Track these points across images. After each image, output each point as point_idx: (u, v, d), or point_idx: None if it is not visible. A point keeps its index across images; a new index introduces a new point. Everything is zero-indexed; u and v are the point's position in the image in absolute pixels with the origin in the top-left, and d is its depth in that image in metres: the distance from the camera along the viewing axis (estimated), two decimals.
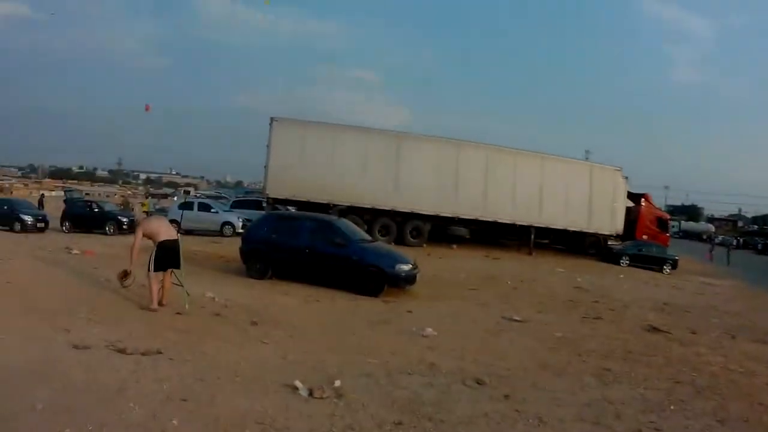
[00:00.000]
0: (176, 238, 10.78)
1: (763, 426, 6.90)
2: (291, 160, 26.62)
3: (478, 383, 7.40)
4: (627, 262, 28.63)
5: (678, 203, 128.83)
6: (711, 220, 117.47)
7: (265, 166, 27.13)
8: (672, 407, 7.10)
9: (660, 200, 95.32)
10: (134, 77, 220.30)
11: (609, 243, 30.65)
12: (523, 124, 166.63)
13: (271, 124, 26.88)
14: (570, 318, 13.09)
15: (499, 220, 28.25)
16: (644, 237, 31.78)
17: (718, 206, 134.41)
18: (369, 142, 27.89)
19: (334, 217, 17.58)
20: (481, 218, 28.01)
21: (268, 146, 26.86)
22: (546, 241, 30.36)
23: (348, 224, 16.24)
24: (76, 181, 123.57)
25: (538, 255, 27.77)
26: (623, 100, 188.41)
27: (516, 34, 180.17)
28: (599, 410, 6.75)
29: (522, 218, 28.33)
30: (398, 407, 6.29)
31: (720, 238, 75.69)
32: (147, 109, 57.00)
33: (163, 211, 30.88)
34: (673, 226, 76.69)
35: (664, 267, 28.86)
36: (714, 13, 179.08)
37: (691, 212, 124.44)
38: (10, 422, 5.13)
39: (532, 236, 28.71)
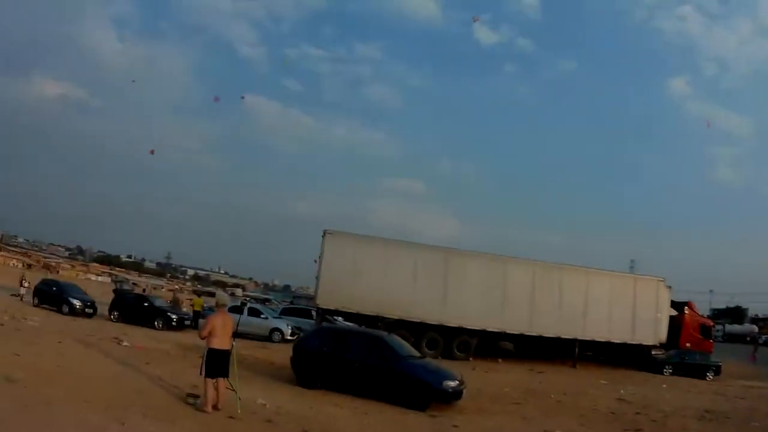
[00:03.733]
0: (228, 348, 11.35)
1: None
2: (341, 272, 27.84)
3: None
4: (670, 370, 29.46)
5: (722, 306, 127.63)
6: (755, 320, 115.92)
7: (316, 277, 28.10)
8: None
9: (704, 305, 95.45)
10: (191, 173, 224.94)
11: (653, 352, 31.36)
12: (570, 234, 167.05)
13: (323, 237, 28.12)
14: (611, 430, 13.97)
15: (545, 335, 29.29)
16: (688, 345, 32.52)
17: (764, 306, 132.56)
18: (418, 257, 28.96)
19: (383, 333, 18.72)
20: (527, 333, 29.06)
21: (320, 257, 28.00)
22: (590, 353, 31.23)
23: (397, 340, 17.15)
24: (123, 270, 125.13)
25: (581, 367, 28.68)
26: (668, 205, 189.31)
27: (554, 149, 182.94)
28: None
29: (566, 332, 29.33)
30: None
31: (764, 338, 75.01)
32: (151, 152, 61.78)
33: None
34: (717, 330, 76.49)
35: (707, 374, 29.66)
36: (754, 110, 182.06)
37: (736, 314, 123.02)
38: None
39: (576, 349, 29.69)
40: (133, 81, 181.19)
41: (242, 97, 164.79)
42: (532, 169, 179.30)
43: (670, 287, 31.76)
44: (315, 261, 28.41)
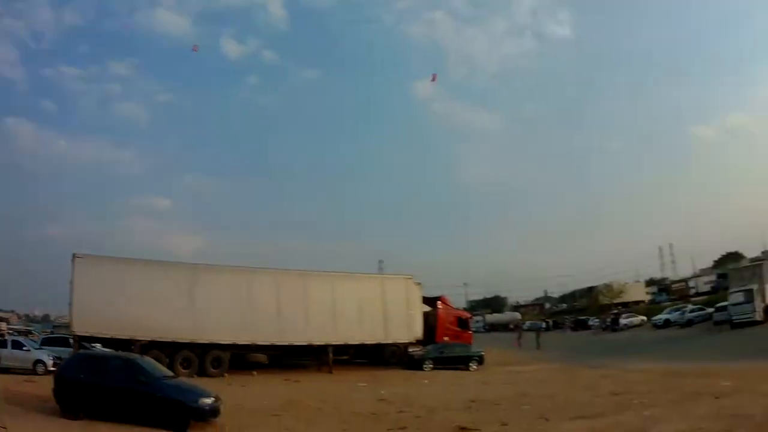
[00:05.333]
0: None
1: None
2: (94, 297, 25.94)
3: None
4: (431, 366, 29.18)
5: (480, 297, 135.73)
6: (517, 307, 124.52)
7: (69, 303, 26.41)
8: None
9: (460, 298, 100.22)
10: None
11: (410, 350, 31.34)
12: (319, 239, 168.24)
13: (73, 261, 26.31)
14: None
15: (295, 343, 28.56)
16: (446, 338, 32.89)
17: (523, 292, 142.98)
18: (164, 274, 27.98)
19: (137, 356, 18.29)
20: (277, 343, 28.21)
21: (71, 283, 26.18)
22: (345, 357, 30.79)
23: (149, 361, 16.81)
24: None
25: (339, 372, 27.94)
26: (417, 203, 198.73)
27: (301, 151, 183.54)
28: None
29: (318, 339, 28.74)
30: None
31: (527, 323, 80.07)
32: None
33: None
34: (477, 321, 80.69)
35: (470, 364, 29.89)
36: (502, 107, 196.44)
37: (496, 303, 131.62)
38: None
39: (330, 354, 29.03)
40: None
41: None
42: (276, 177, 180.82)
43: (419, 284, 32.40)
44: (70, 283, 26.49)
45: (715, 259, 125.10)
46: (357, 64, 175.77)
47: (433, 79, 57.95)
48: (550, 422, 13.18)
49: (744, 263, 75.63)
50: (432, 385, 22.75)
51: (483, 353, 31.39)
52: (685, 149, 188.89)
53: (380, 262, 74.19)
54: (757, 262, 56.59)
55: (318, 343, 28.75)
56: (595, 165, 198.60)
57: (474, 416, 14.46)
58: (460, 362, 29.86)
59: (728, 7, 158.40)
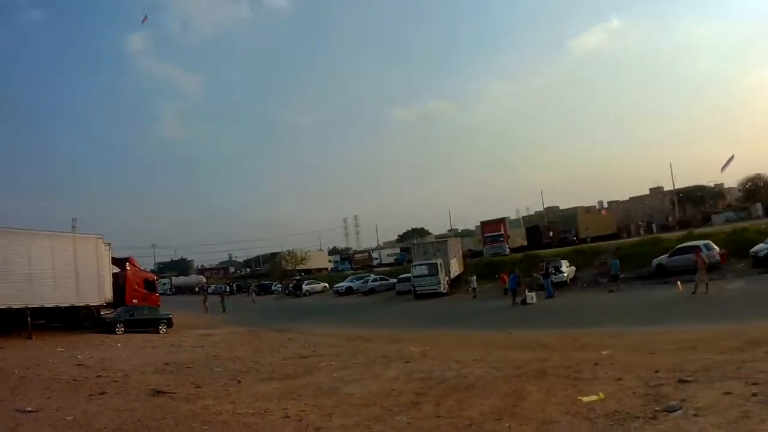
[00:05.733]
0: None
1: None
2: None
3: None
4: (122, 329, 28.72)
5: (167, 259, 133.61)
6: (202, 271, 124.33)
7: None
8: None
9: (149, 260, 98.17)
10: None
11: (102, 313, 30.56)
12: (18, 196, 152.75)
13: None
14: (78, 398, 12.82)
15: None
16: (135, 301, 32.79)
17: (209, 255, 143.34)
18: None
19: None
20: None
21: None
22: (43, 321, 28.81)
23: None
24: None
25: (38, 337, 26.18)
26: (113, 163, 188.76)
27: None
28: None
29: (16, 301, 26.71)
30: None
31: (213, 287, 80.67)
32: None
33: None
34: (164, 284, 79.74)
35: (160, 327, 30.08)
36: (204, 69, 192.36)
37: (182, 266, 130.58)
38: None
39: (29, 318, 26.87)
40: None
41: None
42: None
43: (109, 244, 31.67)
44: None
45: (400, 233, 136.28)
46: (81, 7, 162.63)
47: (144, 21, 56.29)
48: (242, 384, 13.76)
49: (429, 239, 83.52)
50: (126, 349, 22.54)
51: (171, 316, 31.66)
52: (386, 129, 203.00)
53: (73, 220, 69.61)
54: (442, 239, 63.26)
55: (17, 306, 26.54)
56: (292, 138, 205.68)
57: (169, 379, 14.80)
58: (150, 325, 29.82)
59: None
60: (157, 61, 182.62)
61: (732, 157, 55.05)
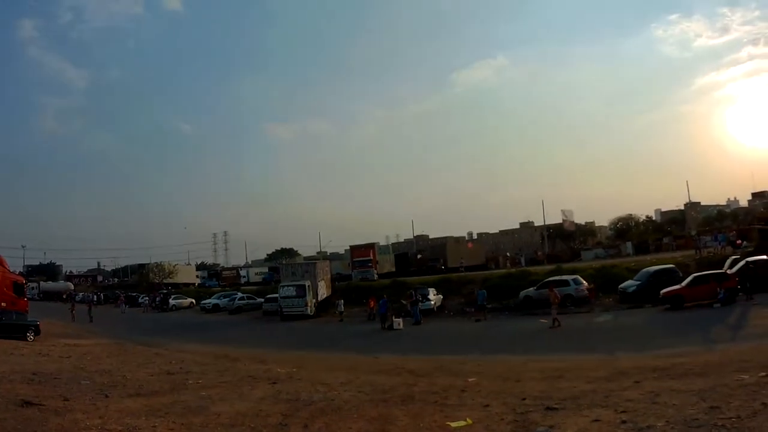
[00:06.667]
0: None
1: None
2: None
3: None
4: None
5: (36, 263, 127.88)
6: (70, 277, 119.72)
7: None
8: None
9: (18, 261, 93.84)
10: None
11: None
12: None
13: None
14: None
15: None
16: (3, 304, 31.51)
17: (78, 262, 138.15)
18: None
19: None
20: None
21: None
22: None
23: None
24: None
25: None
26: None
27: None
28: None
29: None
30: None
31: (81, 295, 78.13)
32: None
33: None
34: (32, 288, 76.43)
35: (27, 334, 29.17)
36: (90, 64, 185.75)
37: (50, 271, 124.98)
38: None
39: None
40: None
41: None
42: None
43: None
44: None
45: (269, 252, 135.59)
46: None
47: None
48: (110, 398, 13.54)
49: (298, 260, 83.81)
50: None
51: (39, 323, 30.85)
52: (264, 146, 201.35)
53: None
54: (311, 261, 63.73)
55: None
56: (172, 144, 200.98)
57: (36, 389, 14.43)
58: (18, 331, 28.93)
59: None
60: (46, 51, 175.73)
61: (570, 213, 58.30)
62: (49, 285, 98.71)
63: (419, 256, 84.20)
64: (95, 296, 78.86)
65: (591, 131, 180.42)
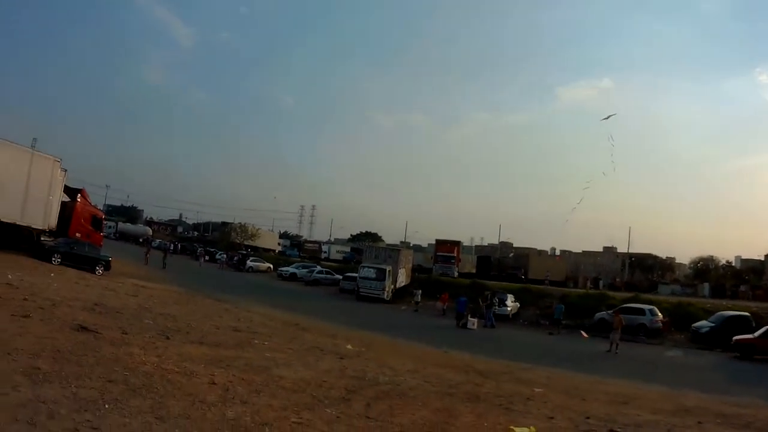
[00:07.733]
0: None
1: (207, 421, 7.52)
2: None
3: None
4: (59, 260, 28.03)
5: (118, 204, 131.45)
6: (150, 223, 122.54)
7: None
8: (107, 405, 7.27)
9: (99, 199, 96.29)
10: None
11: (42, 238, 29.63)
12: None
13: None
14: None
15: None
16: (78, 235, 31.75)
17: (159, 210, 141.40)
18: None
19: None
20: None
21: None
22: None
23: None
24: None
25: None
26: (86, 94, 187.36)
27: None
28: (33, 410, 6.61)
29: None
30: None
31: (158, 242, 79.34)
32: None
33: None
34: (110, 227, 78.18)
35: (97, 268, 29.29)
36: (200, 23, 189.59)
37: (131, 214, 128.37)
38: None
39: None
40: None
41: None
42: None
43: (65, 170, 30.51)
44: None
45: (353, 233, 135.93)
46: None
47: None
48: (171, 341, 13.38)
49: (381, 245, 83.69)
50: (58, 280, 21.79)
51: (111, 259, 30.95)
52: (366, 131, 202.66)
53: (34, 140, 68.33)
54: (395, 247, 63.38)
55: None
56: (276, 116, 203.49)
57: (96, 319, 14.35)
58: (88, 263, 29.02)
59: None
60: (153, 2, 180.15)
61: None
62: (127, 226, 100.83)
63: (501, 264, 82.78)
64: (172, 245, 79.65)
65: (681, 167, 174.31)
